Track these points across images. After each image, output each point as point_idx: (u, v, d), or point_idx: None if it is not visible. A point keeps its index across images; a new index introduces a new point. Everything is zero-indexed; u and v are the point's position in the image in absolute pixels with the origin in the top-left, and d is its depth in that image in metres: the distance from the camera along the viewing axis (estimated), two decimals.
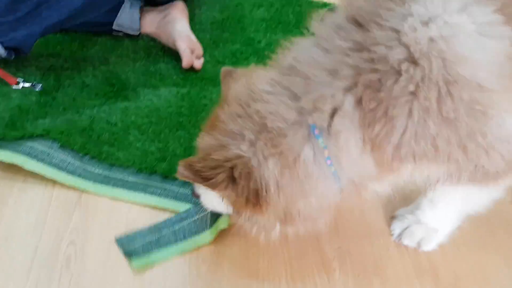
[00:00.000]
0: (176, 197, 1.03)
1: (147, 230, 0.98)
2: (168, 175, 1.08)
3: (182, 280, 0.92)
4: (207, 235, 0.97)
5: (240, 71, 0.88)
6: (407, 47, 0.69)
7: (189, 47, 1.38)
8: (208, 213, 0.95)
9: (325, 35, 0.76)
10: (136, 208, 1.04)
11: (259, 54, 1.43)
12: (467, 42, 0.70)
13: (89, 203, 1.04)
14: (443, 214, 0.95)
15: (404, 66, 0.69)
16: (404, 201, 1.05)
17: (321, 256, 0.96)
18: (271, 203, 0.77)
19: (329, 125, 0.74)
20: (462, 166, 0.78)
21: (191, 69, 1.38)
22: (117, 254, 0.95)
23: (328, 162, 0.76)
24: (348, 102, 0.72)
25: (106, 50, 1.43)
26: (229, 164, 0.76)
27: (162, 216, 1.02)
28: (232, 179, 0.77)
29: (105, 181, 1.07)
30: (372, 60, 0.71)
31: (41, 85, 1.28)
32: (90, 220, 1.01)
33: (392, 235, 0.99)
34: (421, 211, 0.97)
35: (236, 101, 0.79)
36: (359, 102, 0.72)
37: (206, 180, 0.77)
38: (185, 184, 1.05)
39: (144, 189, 1.06)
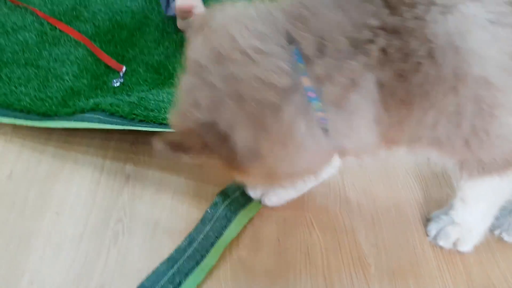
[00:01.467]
0: None
1: (163, 264, 0.94)
2: None
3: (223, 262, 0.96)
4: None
5: (205, 14, 0.76)
6: (429, 41, 0.69)
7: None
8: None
9: None
10: (180, 192, 1.08)
11: None
12: (481, 36, 0.69)
13: (136, 185, 1.09)
14: (475, 211, 0.94)
15: (425, 61, 0.69)
16: (440, 202, 1.07)
17: (357, 251, 0.99)
18: (250, 170, 0.73)
19: (341, 98, 0.69)
20: (466, 157, 0.78)
21: None
22: (162, 233, 0.99)
23: (323, 122, 0.71)
24: (370, 80, 0.69)
25: (153, 41, 1.48)
26: (195, 135, 0.71)
27: (204, 197, 1.05)
28: (206, 147, 0.72)
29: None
30: (402, 50, 0.68)
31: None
32: (137, 200, 1.05)
33: (427, 236, 1.01)
34: (454, 211, 0.97)
35: (195, 66, 0.71)
36: (382, 84, 0.69)
37: (184, 151, 0.72)
38: None
39: None
